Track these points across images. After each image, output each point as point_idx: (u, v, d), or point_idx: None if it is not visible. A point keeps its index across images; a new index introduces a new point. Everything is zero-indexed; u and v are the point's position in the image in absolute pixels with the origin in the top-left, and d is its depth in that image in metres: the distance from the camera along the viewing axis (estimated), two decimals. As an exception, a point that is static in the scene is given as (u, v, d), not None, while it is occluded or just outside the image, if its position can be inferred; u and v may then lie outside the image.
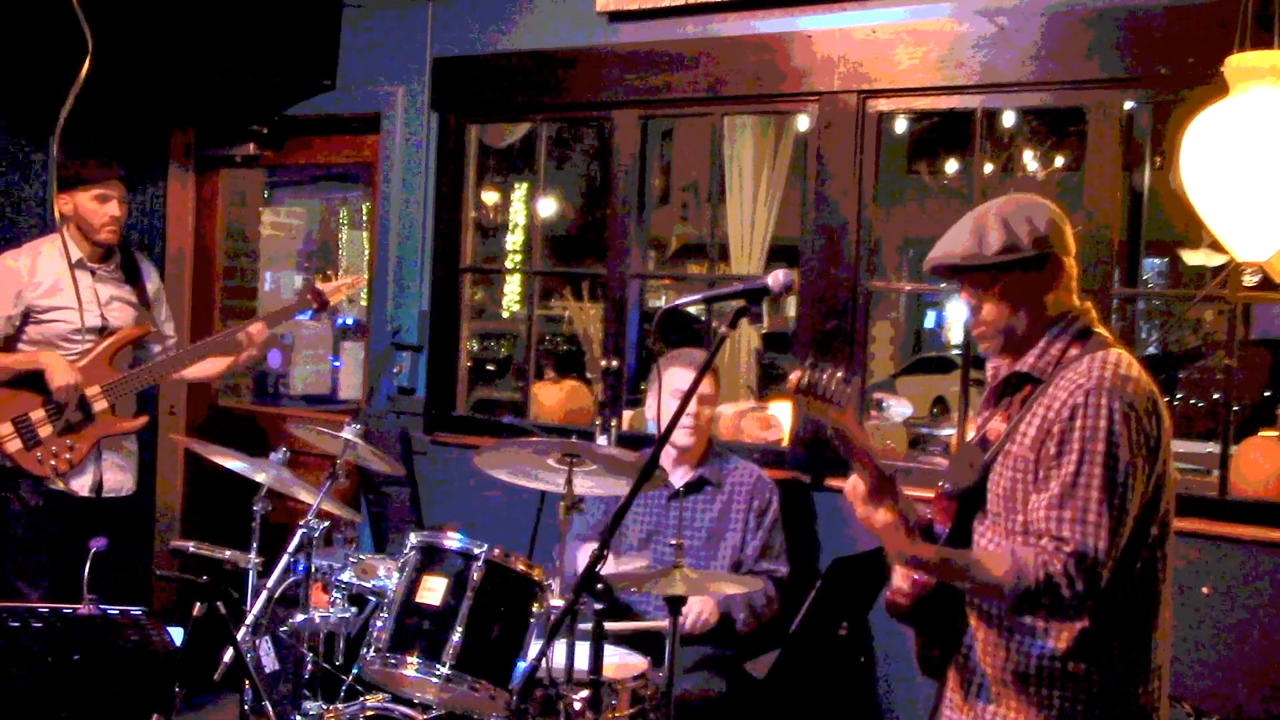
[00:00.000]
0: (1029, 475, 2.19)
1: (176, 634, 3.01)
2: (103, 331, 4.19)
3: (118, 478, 4.27)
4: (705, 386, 3.83)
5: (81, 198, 4.15)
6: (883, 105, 4.10)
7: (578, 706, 2.93)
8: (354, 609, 3.47)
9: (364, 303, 5.78)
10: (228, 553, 3.49)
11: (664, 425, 2.54)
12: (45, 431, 4.05)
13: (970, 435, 2.51)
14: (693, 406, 3.75)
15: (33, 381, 4.04)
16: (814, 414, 2.11)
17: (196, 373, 4.38)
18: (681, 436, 3.80)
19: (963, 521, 2.32)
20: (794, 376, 2.06)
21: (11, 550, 4.14)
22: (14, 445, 4.04)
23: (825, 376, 2.06)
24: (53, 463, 4.04)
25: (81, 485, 4.15)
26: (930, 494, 2.39)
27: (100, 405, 4.12)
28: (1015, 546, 2.17)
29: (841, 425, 2.11)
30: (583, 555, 3.77)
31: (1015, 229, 2.24)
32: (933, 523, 2.35)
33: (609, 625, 3.09)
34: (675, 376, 3.75)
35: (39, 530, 4.10)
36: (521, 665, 2.99)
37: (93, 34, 2.73)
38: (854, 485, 2.21)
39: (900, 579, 2.36)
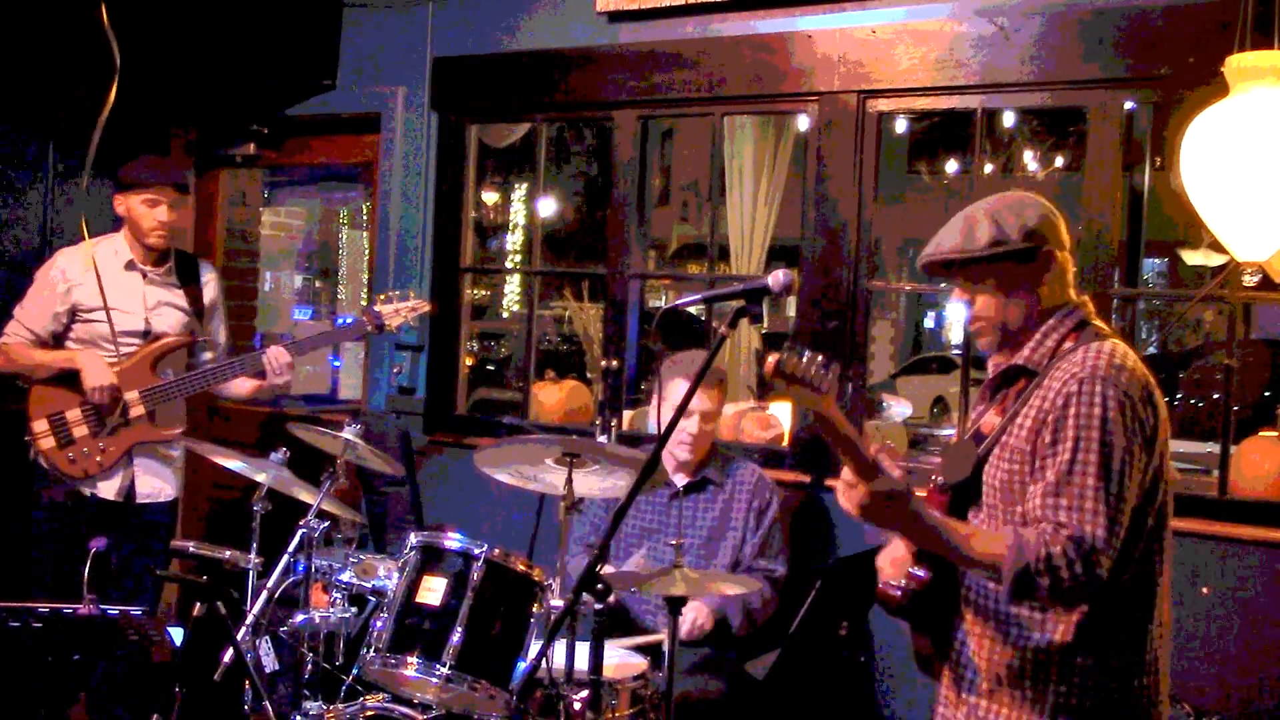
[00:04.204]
0: (1025, 466, 2.19)
1: (176, 634, 3.01)
2: (147, 336, 4.11)
3: (153, 483, 4.16)
4: (709, 402, 3.76)
5: (133, 200, 4.08)
6: (883, 105, 4.10)
7: (578, 706, 2.92)
8: (354, 609, 3.46)
9: (364, 302, 5.77)
10: (228, 553, 3.49)
11: (665, 435, 2.52)
12: (80, 432, 4.00)
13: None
14: (694, 425, 3.73)
15: (73, 380, 3.98)
16: (795, 399, 2.09)
17: (232, 390, 4.26)
18: (681, 452, 3.78)
19: (956, 515, 2.31)
20: (771, 360, 2.01)
21: (36, 548, 4.09)
22: (48, 443, 4.00)
23: (804, 360, 2.03)
24: (83, 465, 3.99)
25: (110, 489, 4.08)
26: (924, 492, 2.39)
27: (137, 411, 4.02)
28: (1017, 527, 2.15)
29: (823, 411, 2.09)
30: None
31: (1003, 223, 2.25)
32: None
33: (610, 643, 3.09)
34: (678, 390, 3.62)
35: (62, 530, 4.05)
36: (521, 665, 2.99)
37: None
38: (843, 477, 2.18)
39: (891, 569, 2.33)
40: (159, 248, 4.15)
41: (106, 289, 4.04)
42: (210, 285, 4.36)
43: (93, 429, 4.01)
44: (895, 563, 2.32)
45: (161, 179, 4.10)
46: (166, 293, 4.21)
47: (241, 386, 4.23)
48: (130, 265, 4.14)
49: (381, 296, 4.23)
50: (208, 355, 4.29)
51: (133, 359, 4.06)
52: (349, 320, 4.27)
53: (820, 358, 2.04)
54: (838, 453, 2.15)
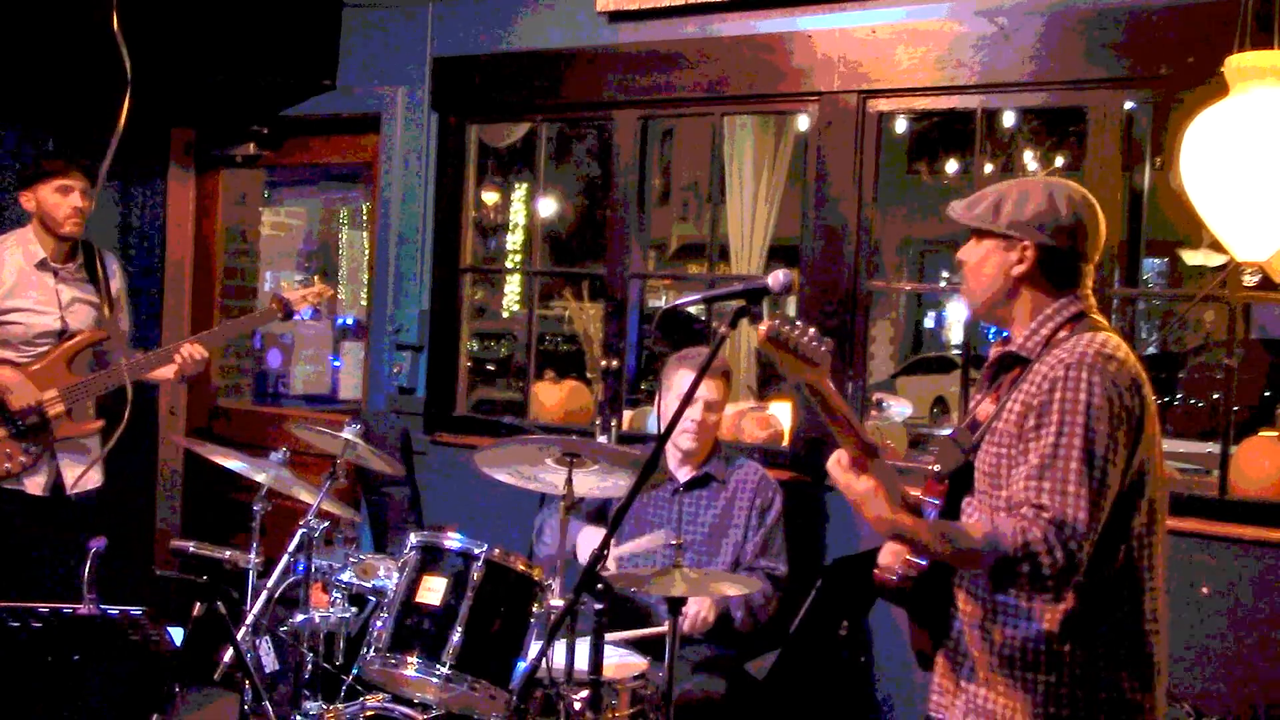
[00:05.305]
0: (1012, 450, 2.20)
1: (176, 634, 3.01)
2: (62, 335, 4.12)
3: (79, 474, 4.17)
4: (714, 392, 3.78)
5: (43, 191, 4.08)
6: (883, 105, 4.10)
7: (578, 706, 2.93)
8: (354, 609, 3.46)
9: (364, 302, 5.78)
10: (228, 553, 3.49)
11: (670, 426, 2.53)
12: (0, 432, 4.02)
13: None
14: (698, 412, 3.74)
15: None
16: (787, 371, 2.07)
17: (153, 376, 4.28)
18: (685, 440, 3.78)
19: (952, 503, 2.32)
20: (764, 326, 2.02)
21: None
22: None
23: (796, 331, 2.03)
24: (7, 465, 4.00)
25: (35, 484, 4.09)
26: (919, 490, 2.39)
27: (56, 409, 4.05)
28: (995, 516, 2.16)
29: (816, 385, 2.08)
30: (584, 538, 3.75)
31: (1059, 202, 2.25)
32: (922, 506, 2.35)
33: (610, 636, 3.09)
34: (684, 380, 3.69)
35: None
36: (521, 665, 2.99)
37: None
38: (837, 458, 2.19)
39: (890, 557, 2.34)
40: (75, 236, 4.14)
41: (20, 289, 4.09)
42: (116, 275, 4.38)
43: (12, 430, 4.02)
44: (895, 551, 2.33)
45: (71, 166, 4.10)
46: (78, 290, 4.22)
47: (166, 372, 4.25)
48: (42, 264, 4.14)
49: (286, 284, 4.30)
50: (117, 347, 4.28)
51: (48, 358, 4.09)
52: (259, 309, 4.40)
53: (813, 330, 2.04)
54: (833, 430, 2.15)
